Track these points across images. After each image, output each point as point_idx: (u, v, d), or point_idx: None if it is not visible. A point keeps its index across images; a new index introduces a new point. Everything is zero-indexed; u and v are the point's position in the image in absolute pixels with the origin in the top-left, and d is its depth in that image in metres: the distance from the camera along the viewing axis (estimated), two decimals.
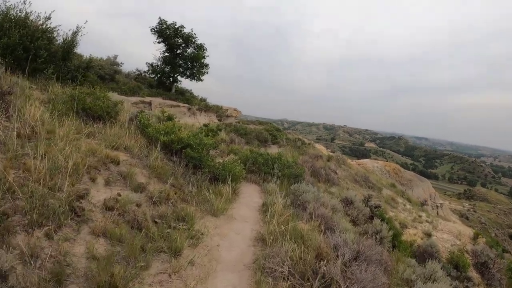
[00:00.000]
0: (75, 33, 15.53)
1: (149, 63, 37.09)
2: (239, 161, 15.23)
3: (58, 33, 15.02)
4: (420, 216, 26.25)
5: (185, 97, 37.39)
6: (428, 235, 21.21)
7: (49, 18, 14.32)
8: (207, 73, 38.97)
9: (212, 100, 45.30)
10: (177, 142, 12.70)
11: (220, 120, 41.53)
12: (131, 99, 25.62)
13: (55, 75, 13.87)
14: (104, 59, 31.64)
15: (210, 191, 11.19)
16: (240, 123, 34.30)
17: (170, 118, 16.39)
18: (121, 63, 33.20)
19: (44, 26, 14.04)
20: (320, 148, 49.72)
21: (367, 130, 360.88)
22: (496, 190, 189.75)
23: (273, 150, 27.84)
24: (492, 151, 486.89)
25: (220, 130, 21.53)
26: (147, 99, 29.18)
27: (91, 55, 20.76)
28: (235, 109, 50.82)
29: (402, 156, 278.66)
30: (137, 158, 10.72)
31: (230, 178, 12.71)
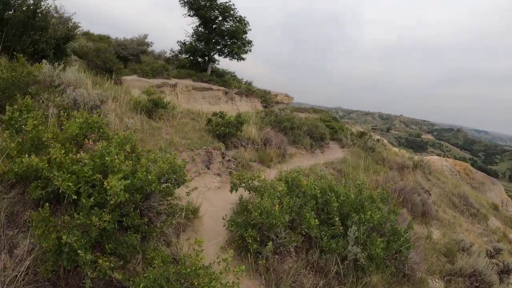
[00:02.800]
0: None
1: (180, 41, 32.46)
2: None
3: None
4: None
5: (224, 79, 31.24)
6: None
7: None
8: (250, 51, 33.07)
9: (262, 86, 39.53)
10: None
11: (266, 107, 34.29)
12: (152, 81, 22.89)
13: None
14: (129, 38, 29.25)
15: None
16: (287, 110, 25.77)
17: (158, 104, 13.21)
18: (151, 42, 30.72)
19: None
20: (388, 144, 41.50)
21: (424, 120, 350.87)
22: None
23: (334, 153, 21.11)
24: None
25: (242, 123, 14.01)
26: (173, 80, 25.38)
27: (75, 22, 16.00)
28: (286, 95, 44.22)
29: (460, 150, 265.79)
30: None
31: None
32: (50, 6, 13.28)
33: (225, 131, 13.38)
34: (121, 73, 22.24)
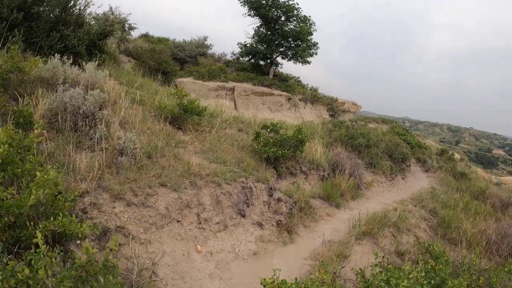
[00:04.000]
0: None
1: (241, 43, 29.80)
2: None
3: None
4: None
5: (287, 84, 28.13)
6: None
7: None
8: (316, 54, 29.78)
9: (327, 93, 35.47)
10: None
11: (333, 116, 30.99)
12: (208, 84, 22.33)
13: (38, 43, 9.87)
14: (188, 40, 29.37)
15: None
16: (360, 122, 21.95)
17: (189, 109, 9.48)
18: (211, 45, 30.34)
19: None
20: (473, 167, 36.74)
21: (495, 134, 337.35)
22: None
23: (418, 179, 17.78)
24: None
25: (303, 142, 9.78)
26: (230, 84, 23.89)
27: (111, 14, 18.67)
28: (354, 103, 40.16)
29: None
30: None
31: None
32: (90, 1, 11.76)
33: (277, 153, 9.20)
34: (176, 75, 22.20)
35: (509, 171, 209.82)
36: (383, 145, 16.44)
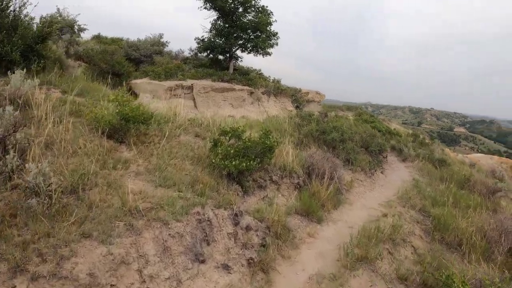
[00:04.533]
0: None
1: (198, 38, 27.89)
2: None
3: None
4: None
5: (248, 77, 26.53)
6: None
7: None
8: (276, 44, 28.03)
9: (290, 84, 33.85)
10: None
11: (298, 107, 29.50)
12: (165, 84, 20.50)
13: None
14: (142, 39, 26.94)
15: None
16: (328, 114, 20.34)
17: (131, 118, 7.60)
18: (167, 42, 27.86)
19: None
20: (446, 148, 36.23)
21: (455, 113, 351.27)
22: None
23: (398, 172, 15.94)
24: None
25: (272, 148, 7.85)
26: (188, 82, 21.97)
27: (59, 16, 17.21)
28: (317, 93, 38.24)
29: (494, 143, 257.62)
30: None
31: None
32: (27, 2, 10.63)
33: (240, 167, 7.33)
34: (131, 76, 20.69)
35: (471, 147, 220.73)
36: (357, 137, 14.80)
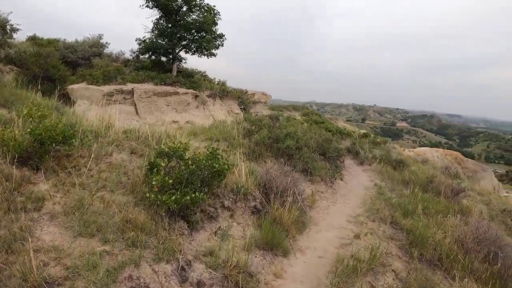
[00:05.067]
0: None
1: (139, 38, 26.32)
2: None
3: None
4: None
5: (192, 80, 25.39)
6: None
7: None
8: (221, 45, 27.30)
9: (237, 86, 33.74)
10: None
11: (244, 109, 28.90)
12: (103, 89, 19.36)
13: None
14: (80, 40, 25.34)
15: None
16: (282, 116, 19.08)
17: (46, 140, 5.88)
18: (107, 43, 26.61)
19: None
20: (396, 146, 36.07)
21: (397, 109, 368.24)
22: None
23: (358, 177, 14.63)
24: None
25: (223, 172, 6.30)
26: (129, 86, 20.87)
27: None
28: (263, 93, 38.22)
29: (435, 135, 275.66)
30: None
31: None
32: None
33: (183, 201, 5.66)
34: (68, 80, 19.55)
35: (413, 140, 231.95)
36: (313, 143, 13.55)
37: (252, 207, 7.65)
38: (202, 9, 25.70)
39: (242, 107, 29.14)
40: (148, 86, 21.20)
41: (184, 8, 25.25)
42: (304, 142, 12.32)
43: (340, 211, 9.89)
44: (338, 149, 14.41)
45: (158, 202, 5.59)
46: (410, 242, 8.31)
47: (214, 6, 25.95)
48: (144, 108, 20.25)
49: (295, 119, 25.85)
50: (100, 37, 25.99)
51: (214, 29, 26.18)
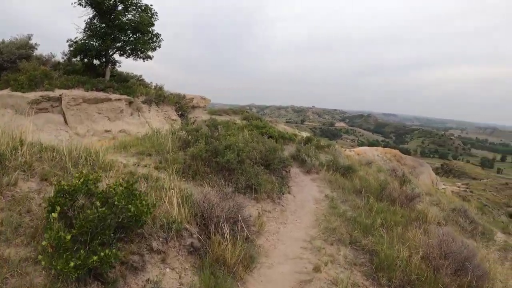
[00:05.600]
0: None
1: (71, 39, 24.70)
2: None
3: None
4: None
5: (127, 85, 24.43)
6: None
7: None
8: (159, 47, 26.35)
9: (177, 90, 32.60)
10: None
11: (182, 115, 28.28)
12: (28, 96, 17.97)
13: None
14: (7, 41, 22.61)
15: None
16: (219, 127, 17.56)
17: None
18: (36, 44, 23.90)
19: None
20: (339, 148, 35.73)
21: (335, 110, 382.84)
22: (468, 162, 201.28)
23: (307, 189, 13.10)
24: (459, 123, 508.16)
25: (141, 219, 4.75)
26: (56, 92, 19.40)
27: None
28: (202, 98, 38.01)
29: (372, 134, 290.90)
30: None
31: None
32: None
33: (89, 263, 3.92)
34: None
35: (352, 139, 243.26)
36: (256, 153, 12.06)
37: (188, 246, 5.99)
38: (139, 9, 24.34)
39: (180, 112, 27.87)
40: (78, 92, 19.70)
41: (120, 7, 23.83)
42: (246, 154, 10.87)
43: (293, 234, 8.51)
44: (283, 159, 13.06)
45: (53, 269, 3.88)
46: (376, 266, 7.22)
47: (151, 5, 24.48)
48: (73, 117, 18.93)
49: (235, 123, 24.67)
50: (29, 37, 23.68)
51: (150, 30, 24.95)
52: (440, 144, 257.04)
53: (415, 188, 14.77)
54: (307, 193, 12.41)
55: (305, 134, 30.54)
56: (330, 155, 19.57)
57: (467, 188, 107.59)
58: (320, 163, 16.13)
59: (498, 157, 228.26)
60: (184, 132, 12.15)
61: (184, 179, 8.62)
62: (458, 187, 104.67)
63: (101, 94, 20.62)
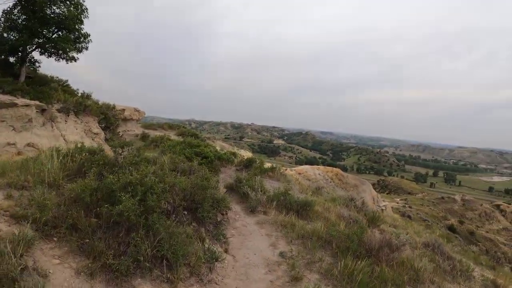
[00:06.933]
0: None
1: None
2: None
3: None
4: None
5: (40, 89, 19.42)
6: None
7: None
8: (86, 48, 21.71)
9: (112, 101, 29.99)
10: None
11: (108, 128, 25.34)
12: None
13: None
14: None
15: None
16: (129, 147, 13.56)
17: None
18: None
19: None
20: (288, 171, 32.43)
21: (274, 127, 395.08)
22: (402, 177, 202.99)
23: (253, 242, 8.88)
24: (393, 141, 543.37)
25: None
26: None
27: None
28: (136, 110, 35.38)
29: (310, 151, 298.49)
30: None
31: None
32: None
33: None
34: None
35: (289, 156, 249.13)
36: (179, 191, 8.04)
37: None
38: (67, 2, 20.16)
39: (104, 125, 24.64)
40: None
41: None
42: (159, 197, 6.56)
43: None
44: (217, 199, 9.01)
45: None
46: None
47: (83, 0, 20.73)
48: None
49: (170, 139, 22.22)
50: None
51: (78, 28, 20.70)
52: (375, 161, 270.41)
53: (400, 234, 11.24)
54: (253, 248, 8.33)
55: (245, 154, 27.62)
56: (276, 180, 16.11)
57: (405, 203, 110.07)
58: (267, 196, 12.09)
59: (431, 172, 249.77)
60: (79, 156, 8.10)
61: (48, 241, 4.86)
62: (397, 202, 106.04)
63: (5, 98, 16.06)
